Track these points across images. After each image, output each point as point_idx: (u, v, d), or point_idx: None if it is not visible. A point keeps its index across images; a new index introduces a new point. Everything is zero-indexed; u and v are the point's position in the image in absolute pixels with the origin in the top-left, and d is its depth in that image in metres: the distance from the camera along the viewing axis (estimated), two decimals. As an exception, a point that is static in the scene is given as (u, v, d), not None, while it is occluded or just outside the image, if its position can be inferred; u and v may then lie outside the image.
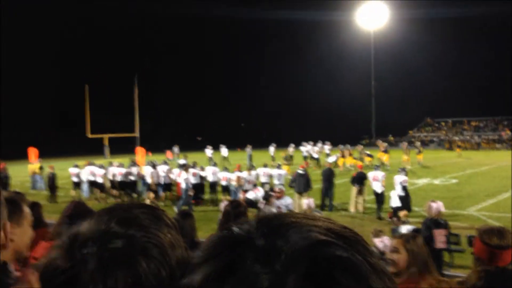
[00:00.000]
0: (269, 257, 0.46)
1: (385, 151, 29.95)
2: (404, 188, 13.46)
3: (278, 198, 12.16)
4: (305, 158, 33.08)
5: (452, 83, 75.90)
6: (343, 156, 29.03)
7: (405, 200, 13.24)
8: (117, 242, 0.77)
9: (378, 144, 33.61)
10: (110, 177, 18.98)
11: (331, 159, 26.83)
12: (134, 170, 18.86)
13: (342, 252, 0.47)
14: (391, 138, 61.41)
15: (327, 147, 34.19)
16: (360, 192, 15.27)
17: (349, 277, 0.45)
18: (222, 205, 10.01)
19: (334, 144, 36.51)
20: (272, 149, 35.93)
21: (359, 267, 0.47)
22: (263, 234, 0.50)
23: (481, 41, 75.54)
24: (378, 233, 6.99)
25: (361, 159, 28.20)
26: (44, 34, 65.51)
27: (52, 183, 19.41)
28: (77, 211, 2.96)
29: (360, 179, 15.36)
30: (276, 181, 16.71)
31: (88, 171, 19.32)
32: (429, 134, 65.74)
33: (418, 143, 35.38)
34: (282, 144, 38.83)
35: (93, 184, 19.34)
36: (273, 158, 33.41)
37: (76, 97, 48.09)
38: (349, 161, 28.37)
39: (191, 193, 16.34)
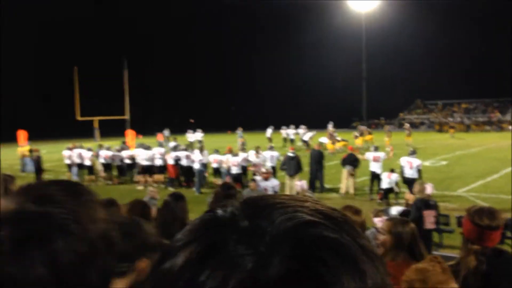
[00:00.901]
0: (253, 238, 0.45)
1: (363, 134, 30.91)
2: (419, 171, 13.42)
3: (265, 179, 12.23)
4: (285, 140, 34.09)
5: (443, 66, 76.05)
6: (333, 138, 29.03)
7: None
8: (32, 221, 0.75)
9: (359, 129, 33.72)
10: (102, 160, 18.95)
11: (323, 140, 26.99)
12: (123, 153, 18.82)
13: (329, 232, 0.45)
14: (382, 121, 61.61)
15: (301, 131, 34.24)
16: (351, 174, 15.28)
17: (337, 257, 0.43)
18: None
19: (323, 127, 36.63)
20: (269, 130, 36.10)
21: (348, 248, 0.45)
22: (247, 216, 0.48)
23: (471, 23, 75.49)
24: (378, 213, 7.03)
25: (333, 142, 28.16)
26: (32, 15, 64.55)
27: (38, 166, 19.30)
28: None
29: (351, 161, 15.35)
30: (268, 163, 16.71)
31: (76, 153, 19.26)
32: (420, 117, 66.06)
33: (407, 125, 35.63)
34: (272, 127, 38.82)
35: (80, 166, 19.33)
36: (269, 140, 33.62)
37: (65, 79, 47.63)
38: (339, 144, 28.39)
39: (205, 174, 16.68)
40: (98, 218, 0.82)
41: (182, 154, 17.70)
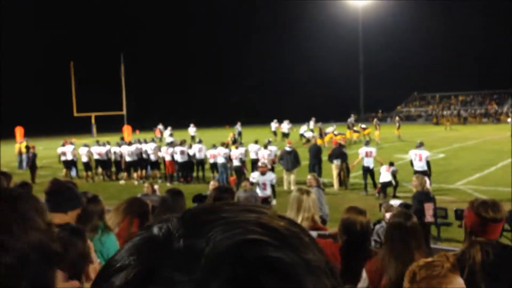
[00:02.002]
0: (188, 262, 0.40)
1: (349, 128, 31.24)
2: (428, 163, 13.38)
3: (262, 173, 12.28)
4: (275, 134, 34.44)
5: (440, 58, 76.11)
6: (320, 134, 28.88)
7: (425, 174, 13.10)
8: None
9: (349, 124, 33.80)
10: (97, 156, 18.95)
11: (308, 134, 27.14)
12: (115, 149, 18.83)
13: (272, 251, 0.41)
14: (379, 114, 61.61)
15: (285, 125, 34.32)
16: (339, 168, 15.29)
17: (278, 279, 0.39)
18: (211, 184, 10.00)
19: (322, 120, 36.69)
20: (273, 125, 36.24)
21: (291, 267, 0.41)
22: (184, 235, 0.43)
23: (469, 16, 75.42)
24: (389, 208, 6.93)
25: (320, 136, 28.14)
26: (29, 10, 64.24)
27: (32, 163, 19.25)
28: (54, 188, 2.94)
29: (337, 155, 15.36)
30: (265, 157, 16.71)
31: (68, 150, 19.26)
32: (417, 109, 66.10)
33: (397, 118, 35.95)
34: (266, 121, 38.97)
35: (71, 163, 19.42)
36: (274, 133, 33.79)
37: (62, 75, 47.44)
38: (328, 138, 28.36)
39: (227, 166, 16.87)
40: (33, 227, 0.78)
41: (177, 149, 17.65)
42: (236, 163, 16.58)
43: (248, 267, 0.40)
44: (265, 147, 16.67)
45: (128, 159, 18.22)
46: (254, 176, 12.38)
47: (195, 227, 0.44)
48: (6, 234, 0.73)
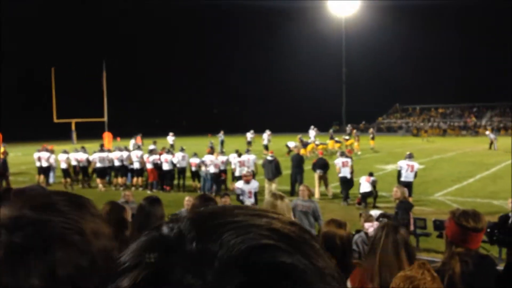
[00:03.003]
0: (201, 265, 0.40)
1: (331, 138, 31.48)
2: (415, 174, 13.45)
3: (247, 182, 12.26)
4: (249, 144, 33.83)
5: (421, 70, 77.24)
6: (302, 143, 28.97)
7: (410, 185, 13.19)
8: (31, 228, 0.70)
9: (330, 134, 34.16)
10: (74, 162, 18.78)
11: (291, 144, 27.21)
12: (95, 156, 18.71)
13: (284, 257, 0.41)
14: (361, 125, 62.07)
15: (265, 135, 34.43)
16: (321, 178, 15.38)
17: (291, 285, 0.39)
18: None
19: (303, 131, 36.82)
20: (249, 135, 36.05)
21: (303, 274, 0.41)
22: (196, 237, 0.43)
23: (450, 29, 76.86)
24: (368, 218, 6.91)
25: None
26: (10, 15, 63.43)
27: (2, 169, 18.85)
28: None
29: (320, 165, 15.45)
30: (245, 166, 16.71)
31: (44, 156, 19.00)
32: (398, 121, 66.79)
33: (371, 129, 36.44)
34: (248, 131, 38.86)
35: (47, 170, 19.21)
36: (249, 144, 33.61)
37: (43, 81, 46.88)
38: (310, 148, 28.46)
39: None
40: (101, 232, 0.78)
41: (162, 157, 17.56)
42: (214, 170, 16.53)
43: (261, 273, 0.39)
44: (239, 155, 16.68)
45: (98, 165, 18.19)
46: (239, 186, 12.39)
47: (208, 230, 0.43)
48: (79, 235, 0.73)
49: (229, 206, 0.49)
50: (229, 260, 0.40)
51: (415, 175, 13.43)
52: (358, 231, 6.95)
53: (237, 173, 15.91)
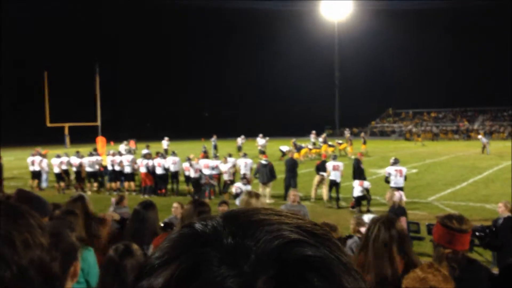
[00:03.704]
0: (237, 258, 0.43)
1: (325, 142, 31.72)
2: (405, 178, 13.45)
3: (248, 183, 12.52)
4: (238, 149, 33.85)
5: (414, 75, 77.64)
6: (296, 147, 29.01)
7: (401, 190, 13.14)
8: None
9: (321, 137, 34.38)
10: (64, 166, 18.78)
11: (284, 148, 27.24)
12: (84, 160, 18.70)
13: (314, 251, 0.44)
14: (354, 130, 62.31)
15: (259, 139, 34.51)
16: (321, 181, 15.41)
17: (322, 277, 0.42)
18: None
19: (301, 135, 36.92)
20: (239, 140, 36.00)
21: (332, 267, 0.44)
22: (231, 233, 0.46)
23: (443, 34, 77.36)
24: (359, 221, 6.91)
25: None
26: (2, 16, 63.19)
27: None
28: (21, 197, 2.88)
29: (323, 168, 15.50)
30: (242, 170, 16.69)
31: (37, 160, 18.97)
32: (391, 125, 67.08)
33: (362, 134, 36.74)
34: (241, 135, 38.86)
35: (38, 174, 19.25)
36: (239, 148, 33.58)
37: (36, 84, 46.71)
38: (304, 152, 28.50)
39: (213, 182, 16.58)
40: (34, 243, 0.77)
41: (155, 161, 17.50)
42: (194, 175, 16.51)
43: (292, 265, 0.42)
44: (225, 160, 16.77)
45: (88, 169, 18.26)
46: (240, 186, 12.46)
47: (242, 227, 0.46)
48: (9, 248, 0.72)
49: (256, 208, 0.52)
50: (264, 254, 0.43)
51: (405, 179, 13.43)
52: (350, 236, 6.94)
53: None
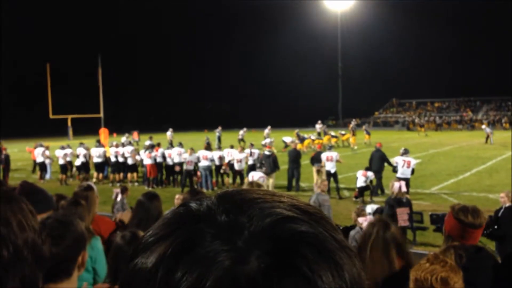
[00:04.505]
0: (231, 234, 0.43)
1: (325, 133, 32.09)
2: (413, 170, 13.46)
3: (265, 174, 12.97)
4: (239, 141, 33.67)
5: (418, 65, 77.25)
6: (299, 138, 28.97)
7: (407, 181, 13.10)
8: None
9: (319, 128, 34.55)
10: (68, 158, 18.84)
11: (287, 139, 27.24)
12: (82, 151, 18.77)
13: (307, 227, 0.45)
14: (357, 120, 62.21)
15: (266, 131, 34.62)
16: (318, 171, 15.42)
17: (315, 252, 0.43)
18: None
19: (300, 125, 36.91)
20: (241, 132, 35.99)
21: (325, 243, 0.45)
22: (225, 210, 0.47)
23: (446, 24, 76.85)
24: (361, 212, 6.94)
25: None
26: (4, 11, 63.10)
27: (5, 164, 18.97)
28: (25, 190, 2.89)
29: (319, 159, 15.50)
30: (249, 161, 16.79)
31: (39, 152, 19.09)
32: (394, 115, 66.90)
33: (364, 126, 36.94)
34: (246, 127, 38.83)
35: (41, 165, 19.36)
36: (240, 141, 33.57)
37: (38, 76, 46.69)
38: (307, 143, 28.45)
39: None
40: (28, 226, 0.80)
41: (160, 152, 17.51)
42: (188, 167, 16.52)
43: (286, 241, 0.43)
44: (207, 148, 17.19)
45: (96, 160, 18.39)
46: (255, 175, 12.62)
47: (236, 205, 0.47)
48: (6, 228, 0.75)
49: (250, 189, 0.53)
50: (258, 230, 0.44)
51: (413, 172, 13.42)
52: (352, 227, 6.96)
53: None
